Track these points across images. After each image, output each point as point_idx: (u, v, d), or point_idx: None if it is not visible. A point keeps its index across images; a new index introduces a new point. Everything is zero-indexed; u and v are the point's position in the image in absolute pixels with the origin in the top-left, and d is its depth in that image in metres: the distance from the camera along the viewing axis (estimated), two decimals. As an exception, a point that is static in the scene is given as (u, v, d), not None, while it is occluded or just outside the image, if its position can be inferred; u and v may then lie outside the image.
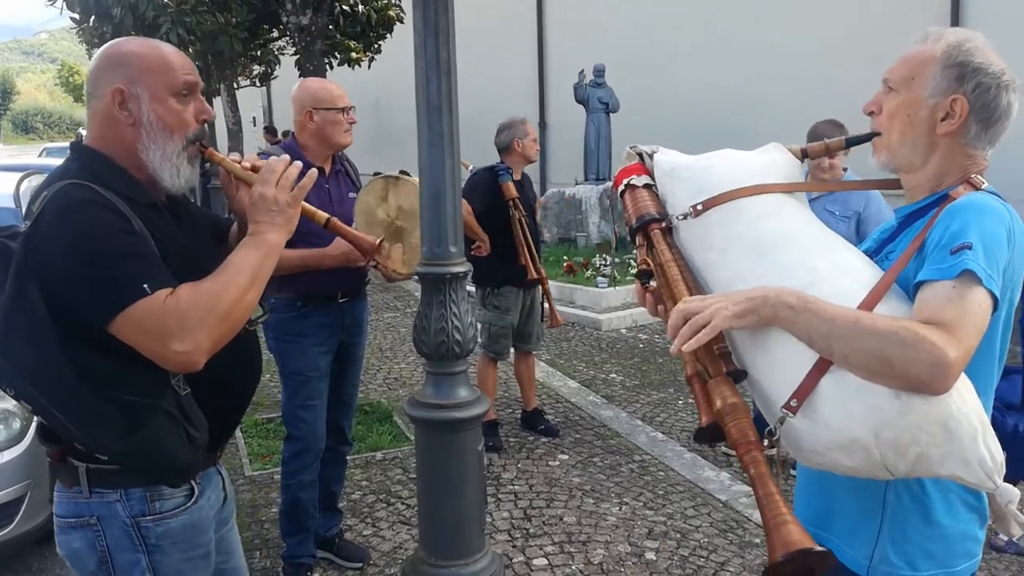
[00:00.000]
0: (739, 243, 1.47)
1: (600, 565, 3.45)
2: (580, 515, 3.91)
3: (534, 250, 4.69)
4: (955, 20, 9.29)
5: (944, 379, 1.20)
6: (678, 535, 3.70)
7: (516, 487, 4.24)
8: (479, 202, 4.53)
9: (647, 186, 1.67)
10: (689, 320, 1.35)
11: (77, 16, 12.19)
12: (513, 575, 3.41)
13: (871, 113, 1.52)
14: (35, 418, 1.67)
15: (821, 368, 1.28)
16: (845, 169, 3.92)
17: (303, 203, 1.74)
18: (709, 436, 1.41)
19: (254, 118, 25.07)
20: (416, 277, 2.35)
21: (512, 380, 5.45)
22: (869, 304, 1.30)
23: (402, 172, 2.99)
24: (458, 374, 2.29)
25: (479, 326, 3.23)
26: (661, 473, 4.39)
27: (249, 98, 22.22)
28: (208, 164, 1.77)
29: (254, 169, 1.74)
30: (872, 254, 1.53)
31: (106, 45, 1.70)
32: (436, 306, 2.25)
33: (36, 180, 3.87)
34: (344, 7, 12.74)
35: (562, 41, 15.29)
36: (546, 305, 4.91)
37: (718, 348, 1.40)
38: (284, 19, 11.59)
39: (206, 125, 1.73)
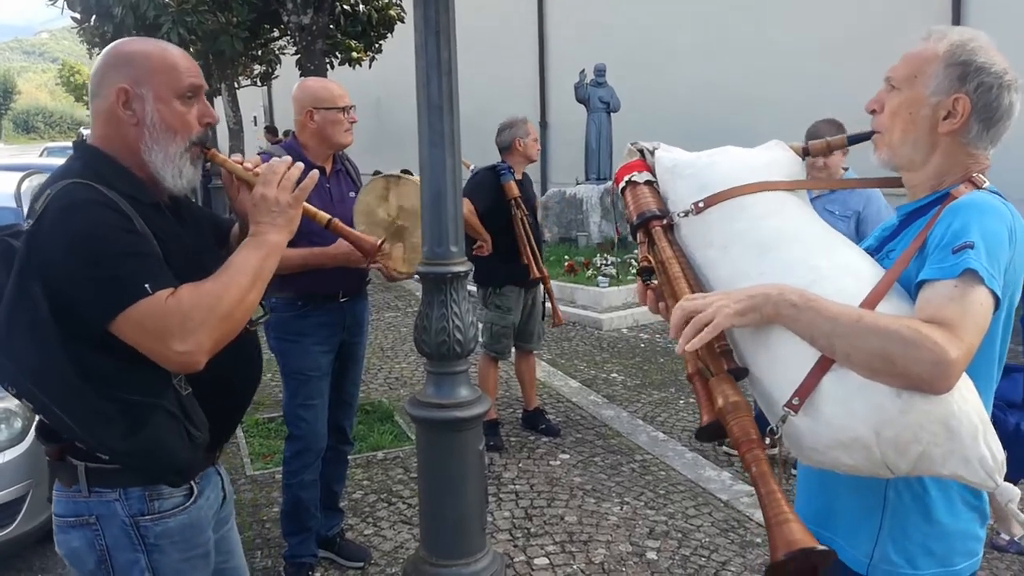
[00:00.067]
0: (740, 241, 1.47)
1: (601, 565, 3.46)
2: (581, 515, 3.91)
3: (536, 249, 4.69)
4: (956, 19, 9.28)
5: (946, 378, 1.20)
6: (679, 535, 3.70)
7: (517, 486, 4.24)
8: (482, 201, 4.53)
9: (648, 183, 1.67)
10: (691, 319, 1.35)
11: (78, 16, 12.18)
12: (514, 574, 3.41)
13: (873, 111, 1.52)
14: (36, 417, 1.67)
15: (823, 366, 1.28)
16: (846, 168, 3.92)
17: (304, 204, 1.74)
18: (710, 434, 1.41)
19: (255, 118, 25.08)
20: (417, 276, 2.36)
21: (513, 380, 5.45)
22: (871, 303, 1.30)
23: (404, 171, 2.98)
24: (459, 374, 2.29)
25: (480, 326, 3.22)
26: (662, 473, 4.39)
27: (250, 98, 22.22)
28: (209, 164, 1.77)
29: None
30: (873, 252, 1.53)
31: (113, 44, 1.70)
32: (437, 305, 2.25)
33: (37, 180, 3.87)
34: (345, 7, 12.73)
35: (563, 40, 15.29)
36: (548, 304, 4.91)
37: (719, 346, 1.40)
38: (285, 19, 11.59)
39: (209, 128, 1.73)
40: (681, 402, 5.54)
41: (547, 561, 3.49)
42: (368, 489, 4.20)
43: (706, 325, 1.32)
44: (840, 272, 1.37)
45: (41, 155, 18.48)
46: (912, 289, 1.34)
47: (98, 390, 1.52)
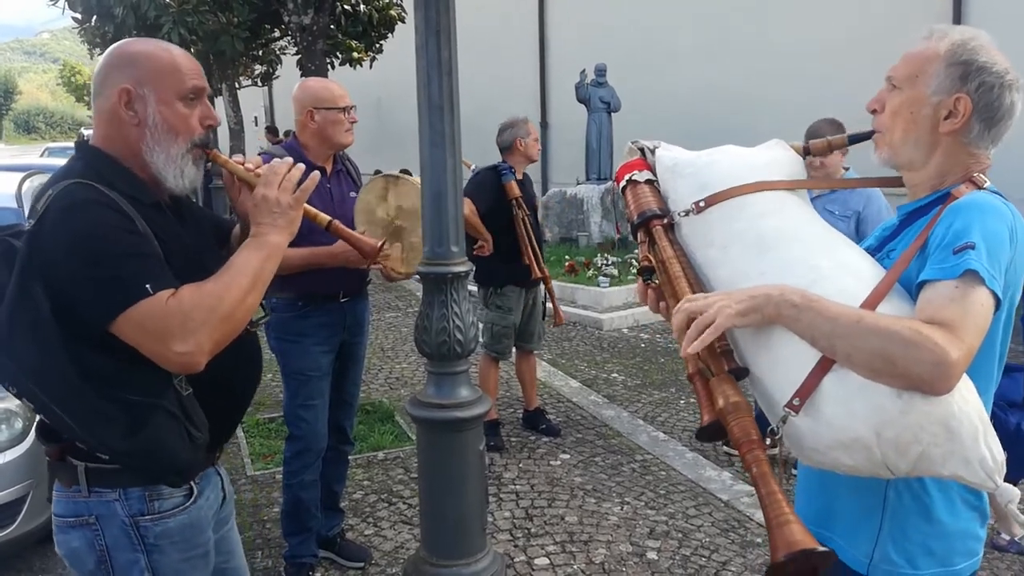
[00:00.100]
0: (741, 240, 1.47)
1: (602, 565, 3.45)
2: (582, 515, 3.91)
3: (537, 249, 4.69)
4: (957, 20, 9.28)
5: (946, 379, 1.20)
6: (680, 535, 3.70)
7: (518, 487, 4.24)
8: (483, 201, 4.53)
9: (649, 181, 1.67)
10: (693, 320, 1.35)
11: (79, 16, 12.19)
12: (515, 575, 3.41)
13: (874, 111, 1.52)
14: (36, 417, 1.67)
15: (824, 367, 1.27)
16: (847, 168, 3.92)
17: (305, 205, 1.74)
18: (711, 434, 1.40)
19: (256, 118, 25.09)
20: (417, 277, 2.35)
21: (513, 380, 5.45)
22: (872, 303, 1.30)
23: (403, 171, 2.99)
24: (459, 374, 2.29)
25: (481, 326, 3.23)
26: (663, 473, 4.39)
27: (251, 98, 22.23)
28: (210, 164, 1.77)
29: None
30: (873, 252, 1.53)
31: (116, 44, 1.70)
32: (438, 306, 2.25)
33: (38, 180, 3.87)
34: (346, 7, 12.74)
35: (563, 41, 15.30)
36: (549, 304, 4.91)
37: (720, 346, 1.40)
38: (286, 19, 11.59)
39: (210, 130, 1.73)
40: (682, 402, 5.53)
41: (547, 561, 3.49)
42: (368, 489, 4.20)
43: (708, 326, 1.32)
44: (841, 272, 1.37)
45: (42, 155, 18.47)
46: (913, 289, 1.34)
47: (99, 390, 1.52)
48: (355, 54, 13.61)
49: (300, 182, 1.70)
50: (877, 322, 1.25)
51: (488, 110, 9.94)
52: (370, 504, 4.04)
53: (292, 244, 1.75)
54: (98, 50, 12.18)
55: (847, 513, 1.48)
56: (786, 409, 1.29)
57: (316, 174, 1.75)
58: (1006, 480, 1.30)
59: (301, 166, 1.73)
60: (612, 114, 11.06)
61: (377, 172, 3.01)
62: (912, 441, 1.23)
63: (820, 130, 3.64)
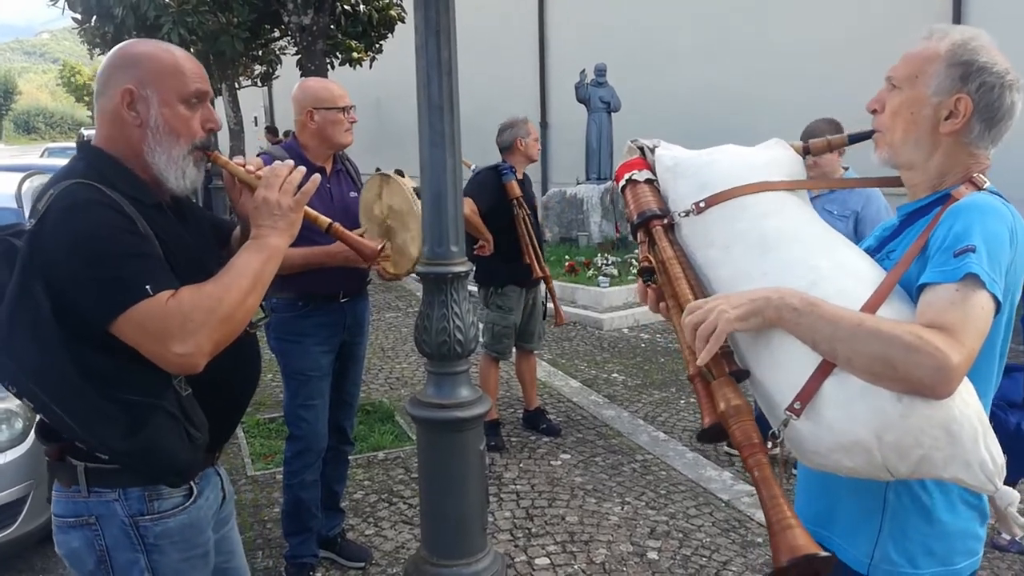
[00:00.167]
0: (742, 240, 1.47)
1: (602, 565, 3.45)
2: (582, 515, 3.91)
3: (538, 249, 4.69)
4: (956, 19, 9.28)
5: (947, 383, 1.20)
6: (680, 535, 3.70)
7: (518, 487, 4.24)
8: (484, 201, 4.53)
9: (648, 181, 1.67)
10: (697, 331, 1.35)
11: (79, 16, 12.18)
12: (515, 574, 3.41)
13: (874, 111, 1.52)
14: (36, 417, 1.67)
15: (824, 370, 1.27)
16: (846, 168, 3.92)
17: (306, 208, 1.74)
18: (712, 436, 1.40)
19: (255, 118, 25.09)
20: (417, 276, 2.35)
21: (514, 379, 5.45)
22: (872, 306, 1.30)
23: (397, 171, 2.98)
24: (460, 374, 2.29)
25: (481, 326, 3.22)
26: (663, 473, 4.39)
27: (250, 98, 22.23)
28: (211, 165, 1.77)
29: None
30: (873, 252, 1.52)
31: (121, 44, 1.70)
32: (438, 306, 2.25)
33: (38, 180, 3.87)
34: (345, 7, 12.73)
35: (563, 41, 15.29)
36: (549, 304, 4.91)
37: (720, 348, 1.40)
38: (285, 19, 11.58)
39: (212, 133, 1.73)
40: (682, 402, 5.53)
41: (548, 561, 3.49)
42: (369, 489, 4.20)
43: (711, 334, 1.32)
44: (840, 272, 1.37)
45: (42, 156, 18.46)
46: (913, 291, 1.34)
47: (99, 390, 1.52)
48: (355, 54, 13.61)
49: (301, 185, 1.70)
50: (878, 326, 1.25)
51: (488, 110, 9.94)
52: (371, 504, 4.04)
53: (292, 245, 1.75)
54: (98, 50, 12.18)
55: (847, 513, 1.48)
56: (787, 412, 1.29)
57: (317, 177, 1.75)
58: (1006, 481, 1.30)
59: (302, 169, 1.73)
60: (612, 114, 11.06)
61: (377, 170, 3.01)
62: (913, 445, 1.23)
63: (818, 130, 3.64)
